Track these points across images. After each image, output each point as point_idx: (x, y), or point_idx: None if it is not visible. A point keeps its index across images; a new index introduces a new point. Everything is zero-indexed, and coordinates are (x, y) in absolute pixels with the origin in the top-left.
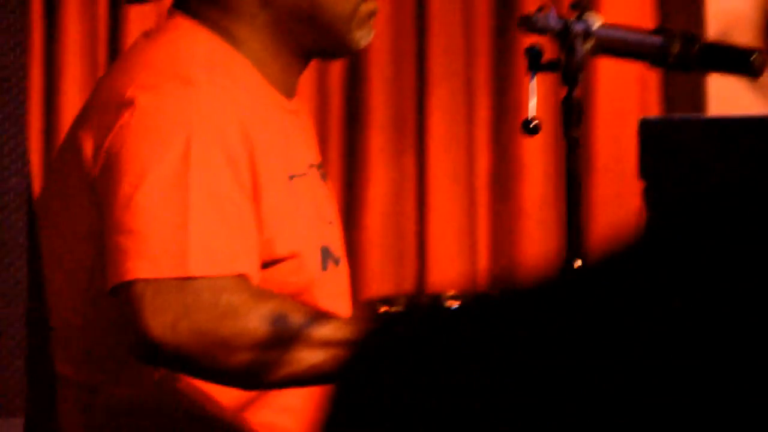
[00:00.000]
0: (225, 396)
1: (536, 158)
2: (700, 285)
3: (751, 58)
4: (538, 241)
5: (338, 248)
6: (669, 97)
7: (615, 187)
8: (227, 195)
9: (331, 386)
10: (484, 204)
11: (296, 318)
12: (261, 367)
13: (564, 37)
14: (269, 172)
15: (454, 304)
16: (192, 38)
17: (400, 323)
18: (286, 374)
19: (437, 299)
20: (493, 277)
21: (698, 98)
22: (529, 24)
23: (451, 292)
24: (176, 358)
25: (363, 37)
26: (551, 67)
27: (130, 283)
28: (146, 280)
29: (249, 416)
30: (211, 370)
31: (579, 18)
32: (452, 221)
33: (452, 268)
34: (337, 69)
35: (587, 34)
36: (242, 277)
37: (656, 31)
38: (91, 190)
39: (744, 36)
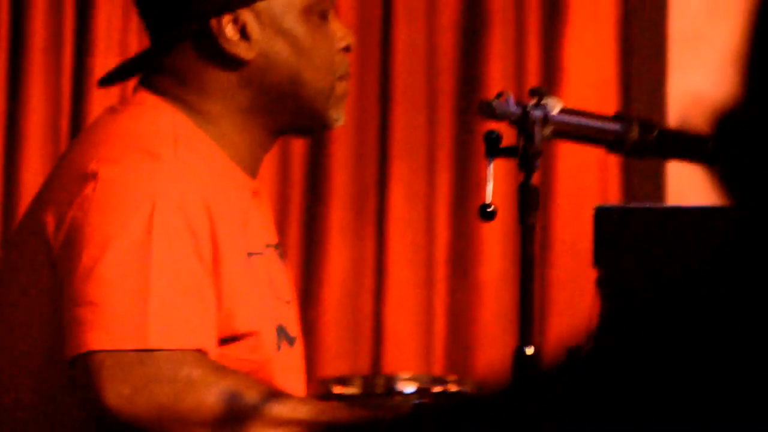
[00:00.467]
0: None
1: (495, 237)
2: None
3: (708, 146)
4: (495, 320)
5: (294, 328)
6: (629, 182)
7: (572, 271)
8: (188, 268)
9: None
10: (443, 282)
11: (253, 396)
12: None
13: (522, 123)
14: (229, 248)
15: (410, 387)
16: (156, 113)
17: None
18: None
19: (392, 380)
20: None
21: (659, 183)
22: (488, 109)
23: (407, 374)
24: (133, 430)
25: (338, 118)
26: (509, 152)
27: (89, 355)
28: (105, 352)
29: None
30: None
31: (538, 104)
32: (410, 300)
33: (409, 346)
34: (298, 144)
35: (545, 119)
36: (201, 352)
37: (615, 117)
38: (51, 264)
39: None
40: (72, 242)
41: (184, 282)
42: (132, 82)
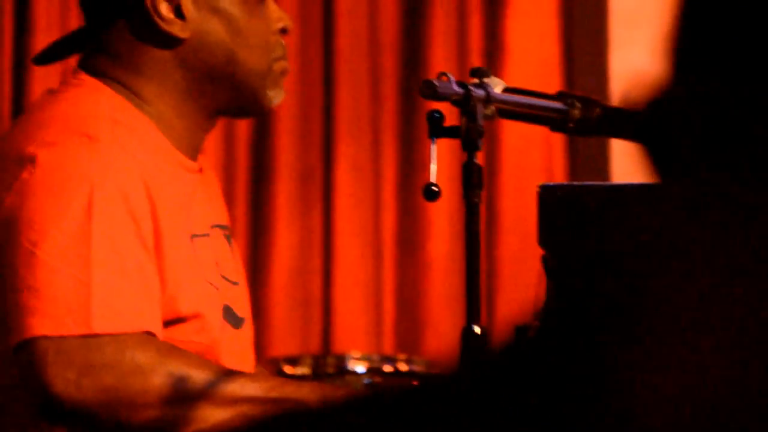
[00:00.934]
0: None
1: (442, 216)
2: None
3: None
4: (443, 297)
5: (242, 309)
6: (574, 160)
7: (519, 249)
8: (130, 251)
9: None
10: (390, 260)
11: (201, 375)
12: (166, 425)
13: (464, 102)
14: (171, 230)
15: (361, 366)
16: (94, 96)
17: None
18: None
19: (343, 360)
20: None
21: (603, 160)
22: (430, 90)
23: (358, 353)
24: (80, 415)
25: (276, 96)
26: (452, 132)
27: (33, 341)
28: (49, 338)
29: None
30: (116, 427)
31: (479, 83)
32: (358, 277)
33: (358, 324)
34: (243, 124)
35: (488, 99)
36: (147, 334)
37: (557, 96)
38: None
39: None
40: (10, 227)
41: (126, 265)
42: (72, 63)
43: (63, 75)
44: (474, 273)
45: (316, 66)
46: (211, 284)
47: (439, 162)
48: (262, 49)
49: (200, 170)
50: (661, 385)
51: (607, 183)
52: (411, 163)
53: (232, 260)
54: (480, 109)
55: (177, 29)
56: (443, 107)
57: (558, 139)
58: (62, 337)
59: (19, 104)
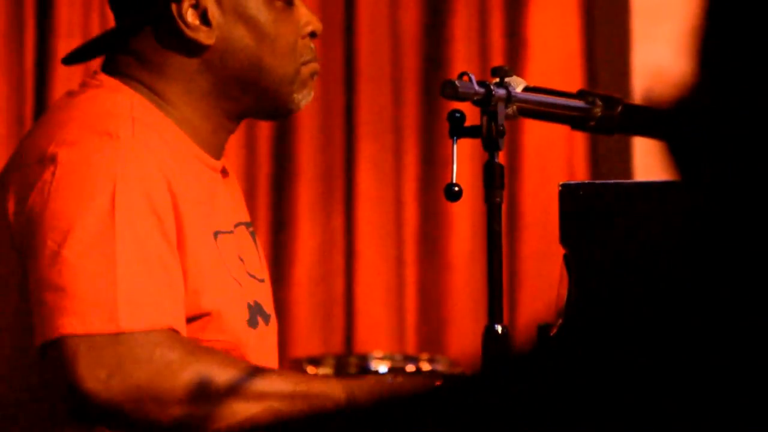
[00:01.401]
0: None
1: (464, 215)
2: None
3: (667, 122)
4: (465, 296)
5: (268, 305)
6: (596, 158)
7: (541, 248)
8: (154, 247)
9: None
10: (412, 260)
11: (229, 372)
12: (195, 422)
13: (485, 102)
14: (193, 227)
15: (383, 366)
16: (113, 95)
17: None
18: (220, 427)
19: (365, 359)
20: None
21: (626, 158)
22: (451, 90)
23: (380, 353)
24: (110, 412)
25: (303, 98)
26: (474, 132)
27: (61, 340)
28: (78, 336)
29: None
30: (146, 424)
31: (500, 83)
32: (380, 277)
33: (380, 324)
34: (265, 124)
35: (509, 98)
36: (173, 331)
37: (578, 94)
38: (15, 250)
39: (671, 90)
40: (35, 228)
41: (150, 261)
42: (95, 64)
43: (85, 76)
44: (496, 273)
45: (338, 66)
46: (236, 281)
47: (461, 162)
48: (289, 55)
49: (223, 169)
50: (682, 380)
51: (629, 181)
52: (432, 162)
53: (257, 257)
54: (501, 109)
55: (202, 36)
56: (465, 107)
57: (580, 138)
58: (91, 335)
59: (42, 106)
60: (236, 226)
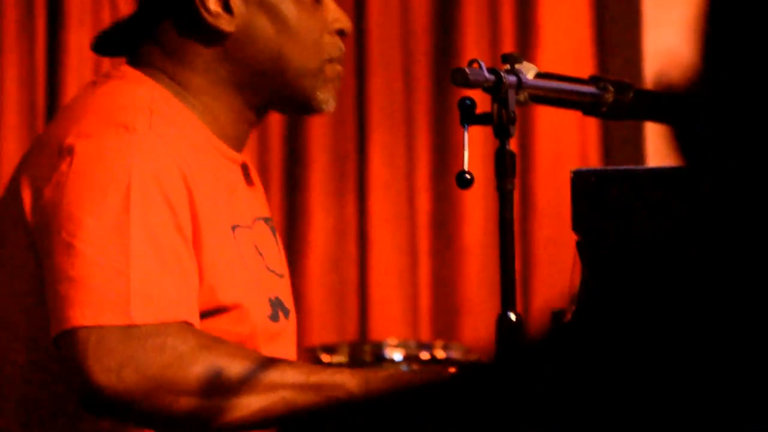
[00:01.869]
0: None
1: (476, 202)
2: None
3: (678, 107)
4: (479, 283)
5: (288, 300)
6: (608, 144)
7: (554, 234)
8: (168, 241)
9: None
10: (425, 247)
11: (241, 363)
12: (208, 413)
13: (496, 89)
14: (210, 220)
15: (397, 353)
16: (133, 86)
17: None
18: (233, 419)
19: (380, 347)
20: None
21: (638, 144)
22: (461, 77)
23: (394, 340)
24: (122, 404)
25: (327, 100)
26: (484, 119)
27: (73, 331)
28: (90, 327)
29: None
30: (158, 416)
31: (511, 69)
32: (393, 265)
33: (394, 311)
34: (276, 114)
35: (519, 85)
36: (185, 324)
37: (590, 80)
38: (30, 241)
39: (682, 75)
40: (50, 218)
41: (164, 254)
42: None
43: (96, 67)
44: (508, 260)
45: (348, 54)
46: (256, 275)
47: (473, 148)
48: (312, 48)
49: (243, 164)
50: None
51: (641, 167)
52: (444, 149)
53: (276, 252)
54: (512, 96)
55: (224, 23)
56: (476, 94)
57: (591, 124)
58: (103, 327)
59: (53, 97)
60: (255, 220)
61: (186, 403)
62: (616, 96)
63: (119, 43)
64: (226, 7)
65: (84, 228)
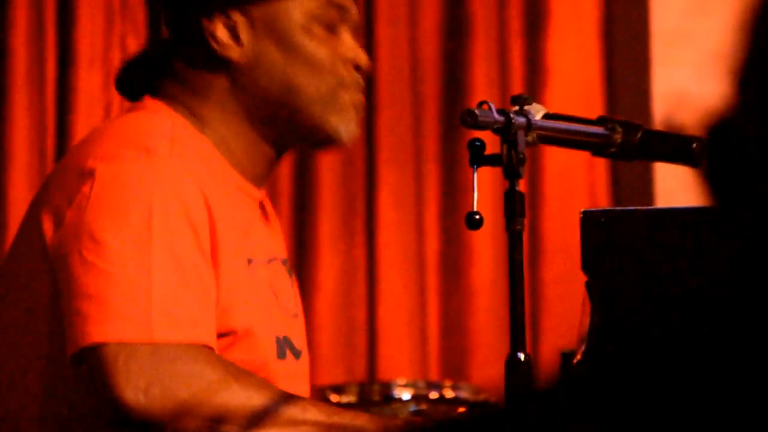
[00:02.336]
0: None
1: (485, 242)
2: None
3: (692, 147)
4: (488, 323)
5: (300, 341)
6: (618, 183)
7: (564, 274)
8: (190, 261)
9: None
10: (434, 287)
11: (266, 396)
12: None
13: (505, 130)
14: (228, 247)
15: (406, 393)
16: (155, 115)
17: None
18: None
19: (389, 387)
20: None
21: (647, 184)
22: (470, 119)
23: (403, 380)
24: (146, 424)
25: (345, 129)
26: (494, 160)
27: (97, 348)
28: (114, 344)
29: None
30: None
31: (520, 111)
32: (402, 304)
33: (403, 351)
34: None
35: (529, 126)
36: (207, 347)
37: (598, 121)
38: (49, 263)
39: (691, 115)
40: (70, 239)
41: (186, 275)
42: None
43: (107, 111)
44: (518, 302)
45: None
46: (266, 310)
47: (482, 189)
48: (322, 74)
49: (261, 201)
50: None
51: (651, 207)
52: (453, 189)
53: (291, 293)
54: (521, 137)
55: (232, 53)
56: (485, 135)
57: (600, 164)
58: (130, 344)
59: (63, 139)
60: (271, 260)
61: (208, 428)
62: (624, 136)
63: (140, 80)
64: (235, 36)
65: (105, 246)
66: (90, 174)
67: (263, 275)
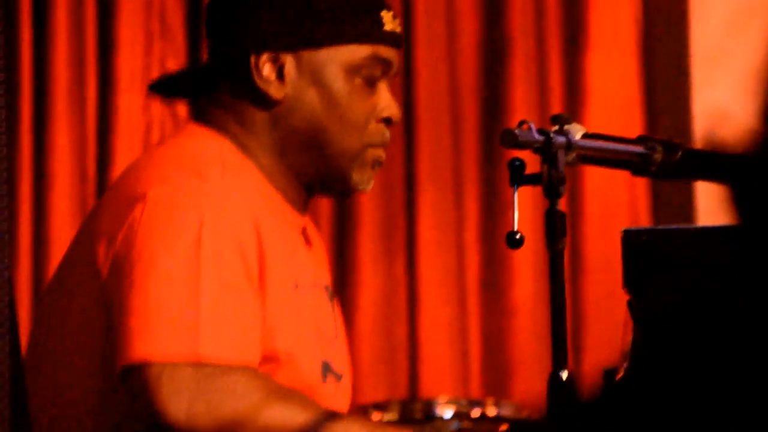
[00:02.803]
0: None
1: (526, 260)
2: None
3: (735, 166)
4: (530, 340)
5: (342, 365)
6: (658, 203)
7: (604, 293)
8: (237, 286)
9: None
10: (475, 305)
11: (310, 415)
12: None
13: (545, 150)
14: (275, 272)
15: (448, 411)
16: (203, 140)
17: None
18: None
19: (430, 405)
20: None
21: (688, 203)
22: (510, 139)
23: (445, 398)
24: None
25: (363, 182)
26: (534, 179)
27: (144, 366)
28: (162, 363)
29: None
30: None
31: (560, 130)
32: (443, 323)
33: (444, 368)
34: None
35: (569, 146)
36: (251, 368)
37: (638, 140)
38: (100, 284)
39: (732, 134)
40: (122, 263)
41: (233, 298)
42: (157, 112)
43: (147, 133)
44: (559, 321)
45: None
46: (311, 335)
47: (522, 207)
48: (356, 131)
49: (305, 228)
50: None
51: (692, 226)
52: (494, 208)
53: (332, 318)
54: (561, 156)
55: (273, 89)
56: (525, 154)
57: (641, 183)
58: (174, 364)
59: (104, 161)
60: (314, 287)
61: None
62: (665, 155)
63: (177, 89)
64: (280, 74)
65: (155, 266)
66: (141, 198)
67: (308, 300)
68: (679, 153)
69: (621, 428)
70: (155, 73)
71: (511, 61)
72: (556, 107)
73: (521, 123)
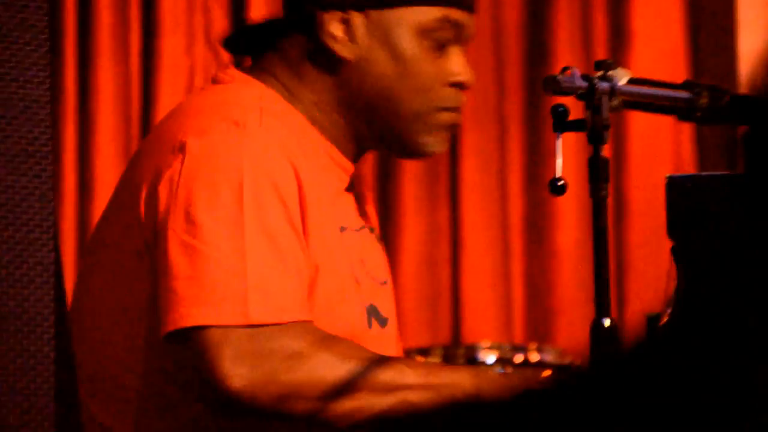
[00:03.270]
0: None
1: (570, 206)
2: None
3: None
4: (573, 286)
5: (388, 309)
6: (703, 149)
7: (648, 239)
8: (282, 236)
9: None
10: (518, 250)
11: (362, 363)
12: (334, 415)
13: (589, 96)
14: (318, 217)
15: (491, 356)
16: (244, 87)
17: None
18: (359, 419)
19: (473, 350)
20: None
21: (733, 148)
22: (554, 85)
23: (488, 343)
24: (251, 405)
25: (431, 144)
26: (577, 126)
27: (197, 330)
28: (214, 327)
29: None
30: (287, 418)
31: (604, 76)
32: (487, 267)
33: (487, 314)
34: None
35: (613, 91)
36: (303, 323)
37: (684, 85)
38: (144, 240)
39: None
40: (165, 218)
41: (279, 252)
42: (200, 61)
43: (190, 74)
44: (602, 268)
45: None
46: (355, 279)
47: (566, 154)
48: (423, 93)
49: (353, 174)
50: None
51: (736, 172)
52: (538, 153)
53: (380, 260)
54: (605, 102)
55: (343, 49)
56: (568, 100)
57: (686, 129)
58: (230, 327)
59: (148, 105)
60: (360, 228)
61: (313, 406)
62: (710, 101)
63: (244, 44)
64: (350, 35)
65: (198, 226)
66: (181, 149)
67: (354, 243)
68: (726, 98)
69: (664, 375)
70: (198, 16)
71: (556, 6)
72: (601, 51)
73: (564, 69)
